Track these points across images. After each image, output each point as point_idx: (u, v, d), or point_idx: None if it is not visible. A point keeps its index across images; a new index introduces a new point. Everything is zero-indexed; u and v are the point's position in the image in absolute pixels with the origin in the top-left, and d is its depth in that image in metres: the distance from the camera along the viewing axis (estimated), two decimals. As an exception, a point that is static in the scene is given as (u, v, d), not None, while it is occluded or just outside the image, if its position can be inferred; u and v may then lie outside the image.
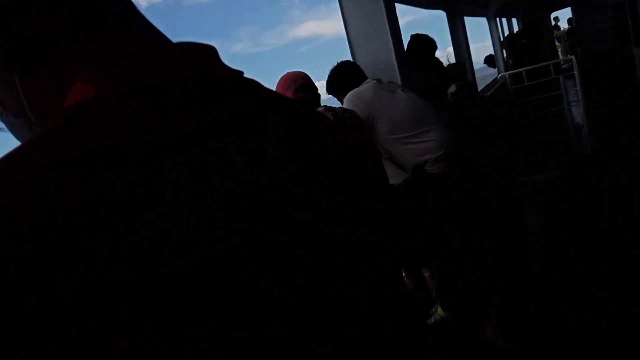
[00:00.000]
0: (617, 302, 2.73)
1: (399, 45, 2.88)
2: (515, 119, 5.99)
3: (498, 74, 7.90)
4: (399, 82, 2.80)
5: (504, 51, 8.56)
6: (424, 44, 3.17)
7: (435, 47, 3.22)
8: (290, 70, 2.17)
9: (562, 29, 15.04)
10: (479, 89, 6.90)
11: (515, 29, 11.63)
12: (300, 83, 2.07)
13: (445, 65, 4.20)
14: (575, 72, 6.11)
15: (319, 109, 2.04)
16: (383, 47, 2.79)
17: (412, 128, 2.38)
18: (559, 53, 14.21)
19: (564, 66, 9.10)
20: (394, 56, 2.78)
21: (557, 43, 14.62)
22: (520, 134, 5.88)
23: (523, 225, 4.23)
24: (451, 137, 2.37)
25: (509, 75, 7.52)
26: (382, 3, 2.80)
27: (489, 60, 9.07)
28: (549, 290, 3.05)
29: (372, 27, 2.80)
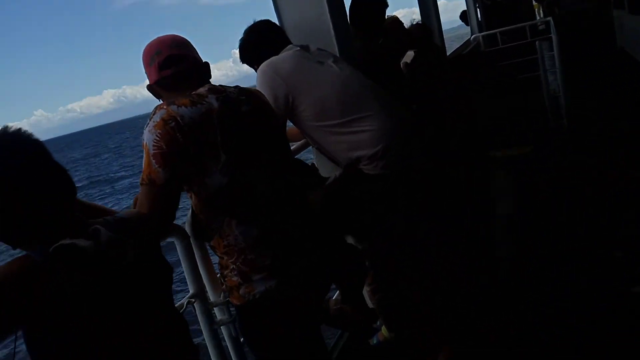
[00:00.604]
0: (585, 311, 2.28)
1: (337, 1, 2.25)
2: (486, 86, 5.45)
3: (471, 35, 7.30)
4: (336, 50, 2.19)
5: (478, 10, 7.92)
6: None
7: (385, 5, 2.60)
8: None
9: (540, -13, 14.40)
10: (454, 49, 6.33)
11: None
12: (166, 55, 1.43)
13: (406, 27, 3.59)
14: (553, 36, 5.58)
15: (202, 89, 1.44)
16: (314, 2, 2.16)
17: (343, 114, 1.81)
18: (536, 13, 13.63)
19: (540, 27, 8.59)
20: (328, 14, 2.15)
21: (534, 2, 14.02)
22: (491, 103, 5.36)
23: (491, 210, 3.75)
24: (393, 127, 1.81)
25: (483, 36, 6.94)
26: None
27: (464, 17, 8.42)
28: (513, 294, 2.57)
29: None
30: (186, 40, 1.50)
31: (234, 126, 1.41)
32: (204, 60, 1.54)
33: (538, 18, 12.06)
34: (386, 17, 2.91)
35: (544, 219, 3.42)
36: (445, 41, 5.58)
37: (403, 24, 3.49)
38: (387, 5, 2.62)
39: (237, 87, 1.53)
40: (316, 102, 1.81)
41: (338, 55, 2.16)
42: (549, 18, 7.22)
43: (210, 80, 1.55)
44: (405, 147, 1.84)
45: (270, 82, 1.82)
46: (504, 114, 5.31)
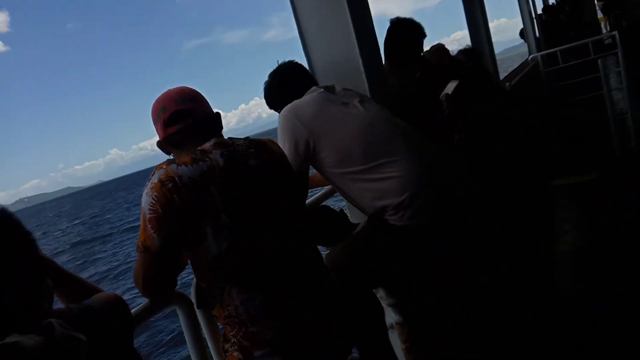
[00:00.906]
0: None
1: (367, 36, 2.14)
2: (543, 109, 5.14)
3: (529, 55, 6.97)
4: (366, 89, 2.07)
5: (536, 28, 7.57)
6: (404, 30, 2.41)
7: (421, 35, 2.46)
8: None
9: (606, -2, 13.63)
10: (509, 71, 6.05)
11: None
12: (172, 111, 1.38)
13: (452, 54, 3.43)
14: (619, 51, 5.20)
15: (207, 144, 1.36)
16: (343, 39, 2.06)
17: (367, 159, 1.68)
18: (603, 27, 12.91)
19: (606, 42, 8.10)
20: (357, 52, 2.05)
21: (599, 16, 13.30)
22: (551, 127, 5.04)
23: (549, 241, 3.46)
24: (423, 172, 1.66)
25: (541, 56, 6.61)
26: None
27: (523, 35, 8.07)
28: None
29: (328, 13, 2.08)
30: (195, 92, 1.44)
31: (238, 184, 1.32)
32: (215, 111, 1.47)
33: (604, 32, 11.43)
34: (431, 45, 2.78)
35: (611, 256, 3.11)
36: (506, 60, 5.34)
37: (448, 52, 3.33)
38: (424, 36, 2.48)
39: (247, 138, 1.45)
40: (338, 147, 1.70)
41: (369, 94, 2.05)
42: (615, 32, 6.79)
43: (221, 131, 1.48)
44: (436, 194, 1.68)
45: (291, 128, 1.73)
46: (564, 138, 4.98)
